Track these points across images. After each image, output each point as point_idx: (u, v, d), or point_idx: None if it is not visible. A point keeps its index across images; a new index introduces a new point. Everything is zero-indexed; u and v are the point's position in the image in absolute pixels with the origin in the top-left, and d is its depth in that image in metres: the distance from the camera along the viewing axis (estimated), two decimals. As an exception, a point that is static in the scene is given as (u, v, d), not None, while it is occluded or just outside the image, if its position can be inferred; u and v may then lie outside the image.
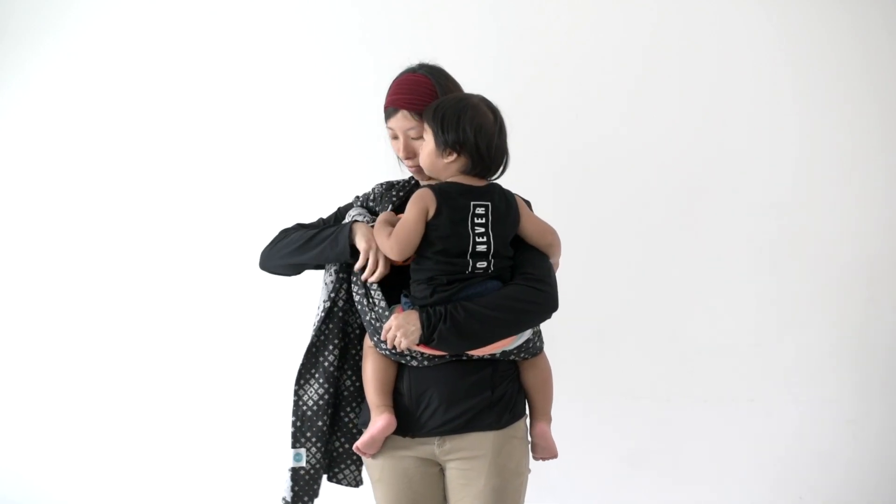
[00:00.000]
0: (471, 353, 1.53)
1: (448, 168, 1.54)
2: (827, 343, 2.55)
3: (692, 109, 2.50)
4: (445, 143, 1.51)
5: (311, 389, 1.66)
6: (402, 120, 1.59)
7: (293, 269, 1.70)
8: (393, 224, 1.53)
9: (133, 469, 2.71)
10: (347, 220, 1.66)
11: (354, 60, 2.56)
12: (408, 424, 1.58)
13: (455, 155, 1.52)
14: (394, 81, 1.64)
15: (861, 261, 2.52)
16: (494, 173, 1.58)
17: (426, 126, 1.54)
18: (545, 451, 1.69)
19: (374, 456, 1.62)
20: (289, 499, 1.65)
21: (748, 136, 2.50)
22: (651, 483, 2.60)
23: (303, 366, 1.66)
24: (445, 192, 1.52)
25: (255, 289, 2.62)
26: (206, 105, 2.63)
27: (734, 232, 2.52)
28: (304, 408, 1.66)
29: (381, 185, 1.74)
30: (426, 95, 1.60)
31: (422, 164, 1.57)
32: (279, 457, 2.63)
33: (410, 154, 1.60)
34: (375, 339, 1.54)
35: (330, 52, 2.57)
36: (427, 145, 1.55)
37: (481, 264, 1.51)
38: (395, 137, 1.63)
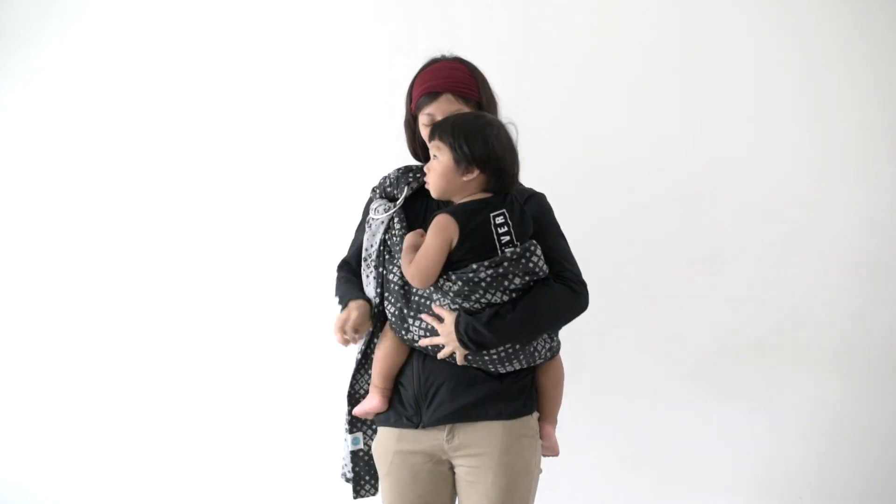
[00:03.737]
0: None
1: (466, 186, 1.52)
2: (827, 343, 2.54)
3: (691, 109, 2.50)
4: (469, 160, 1.49)
5: (364, 379, 1.72)
6: (446, 104, 1.59)
7: None
8: (418, 248, 1.52)
9: (134, 472, 2.71)
10: (371, 218, 1.69)
11: (366, 57, 2.56)
12: (416, 414, 1.59)
13: (476, 172, 1.50)
14: (424, 70, 1.66)
15: (862, 261, 2.52)
16: (508, 189, 1.56)
17: (440, 143, 1.51)
18: (549, 449, 1.71)
19: (383, 448, 1.65)
20: (349, 475, 1.73)
21: (749, 136, 2.50)
22: (651, 483, 2.60)
23: (359, 361, 1.70)
24: (465, 218, 1.49)
25: (261, 287, 2.63)
26: (211, 100, 2.62)
27: (735, 232, 2.52)
28: (357, 396, 1.71)
29: (398, 169, 1.73)
30: (466, 81, 1.63)
31: (433, 184, 1.54)
32: (281, 458, 2.65)
33: None
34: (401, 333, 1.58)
35: (343, 48, 2.56)
36: (442, 163, 1.51)
37: (509, 250, 1.52)
38: (431, 124, 1.60)
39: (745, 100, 2.49)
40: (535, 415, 1.65)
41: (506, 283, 1.49)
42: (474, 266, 1.48)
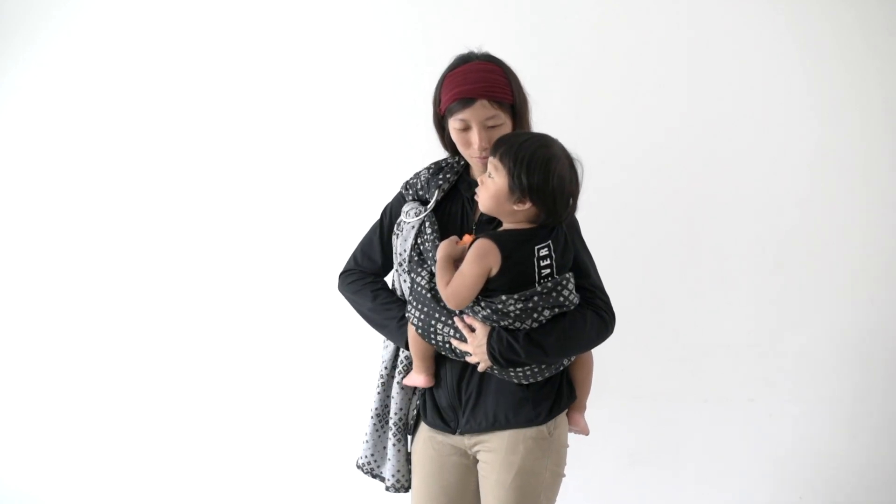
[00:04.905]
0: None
1: (515, 214, 1.48)
2: (827, 343, 2.55)
3: (693, 109, 2.50)
4: (523, 191, 1.44)
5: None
6: (482, 109, 1.52)
7: None
8: (456, 260, 1.49)
9: (135, 473, 2.71)
10: (402, 221, 1.66)
11: (371, 55, 2.54)
12: (453, 420, 1.63)
13: (529, 204, 1.45)
14: (456, 70, 1.56)
15: (861, 261, 2.52)
16: (557, 224, 1.52)
17: (499, 164, 1.46)
18: (577, 432, 1.74)
19: (416, 437, 1.71)
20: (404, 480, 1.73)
21: (749, 137, 2.49)
22: (651, 483, 2.60)
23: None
24: (510, 248, 1.46)
25: (260, 288, 2.62)
26: (216, 98, 2.60)
27: (735, 232, 2.52)
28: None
29: (429, 168, 1.70)
30: (501, 84, 1.55)
31: (483, 201, 1.50)
32: (281, 459, 2.65)
33: (487, 144, 1.54)
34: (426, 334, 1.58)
35: (344, 45, 2.55)
36: (496, 184, 1.46)
37: (539, 286, 1.50)
38: (464, 129, 1.55)
39: (748, 100, 2.48)
40: (554, 420, 1.64)
41: (535, 314, 1.49)
42: (503, 298, 1.47)
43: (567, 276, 1.53)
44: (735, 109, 2.49)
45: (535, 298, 1.48)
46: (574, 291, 1.54)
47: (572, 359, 1.65)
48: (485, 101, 1.52)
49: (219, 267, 2.63)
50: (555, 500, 1.66)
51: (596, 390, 2.53)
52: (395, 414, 1.70)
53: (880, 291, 2.53)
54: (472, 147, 1.56)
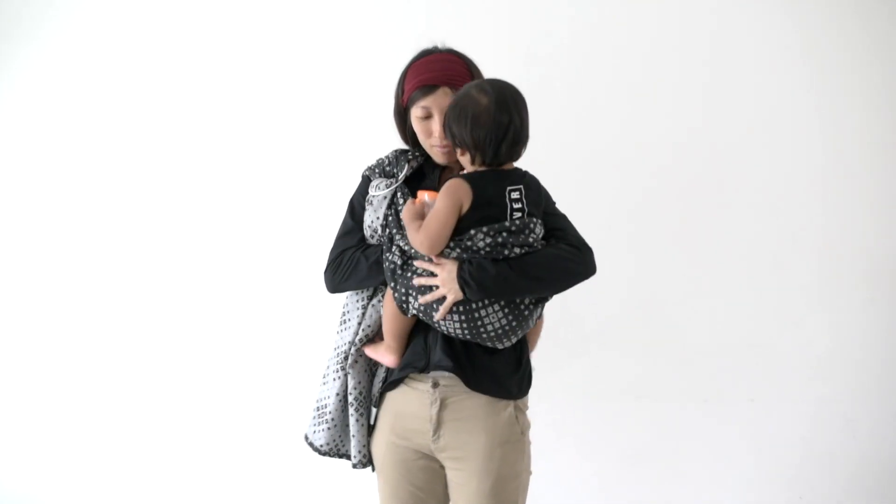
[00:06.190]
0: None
1: (469, 166, 1.52)
2: (827, 343, 2.55)
3: (690, 108, 2.50)
4: (453, 142, 1.50)
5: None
6: (444, 97, 1.55)
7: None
8: (422, 218, 1.49)
9: (134, 473, 2.71)
10: (371, 196, 1.65)
11: (353, 54, 2.55)
12: (422, 359, 1.58)
13: (467, 154, 1.49)
14: (419, 62, 1.60)
15: (861, 261, 2.52)
16: (513, 156, 1.51)
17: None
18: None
19: (376, 441, 1.66)
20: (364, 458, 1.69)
21: (748, 135, 2.50)
22: (651, 483, 2.60)
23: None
24: (481, 184, 1.47)
25: (258, 288, 2.62)
26: (205, 98, 2.60)
27: (734, 232, 2.52)
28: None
29: (394, 150, 1.72)
30: (462, 74, 1.58)
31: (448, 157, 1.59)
32: (280, 459, 2.65)
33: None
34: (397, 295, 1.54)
35: (329, 45, 2.56)
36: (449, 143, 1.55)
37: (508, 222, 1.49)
38: (426, 117, 1.58)
39: (749, 100, 2.49)
40: (527, 414, 1.65)
41: (506, 251, 1.46)
42: (472, 232, 1.45)
43: (535, 219, 1.51)
44: (735, 109, 2.49)
45: (504, 234, 1.46)
46: (540, 236, 1.53)
47: (537, 318, 1.59)
48: (447, 89, 1.56)
49: (215, 264, 2.63)
50: (526, 497, 1.65)
51: (596, 390, 2.56)
52: (355, 388, 1.67)
53: (880, 291, 2.53)
54: (433, 136, 1.59)
